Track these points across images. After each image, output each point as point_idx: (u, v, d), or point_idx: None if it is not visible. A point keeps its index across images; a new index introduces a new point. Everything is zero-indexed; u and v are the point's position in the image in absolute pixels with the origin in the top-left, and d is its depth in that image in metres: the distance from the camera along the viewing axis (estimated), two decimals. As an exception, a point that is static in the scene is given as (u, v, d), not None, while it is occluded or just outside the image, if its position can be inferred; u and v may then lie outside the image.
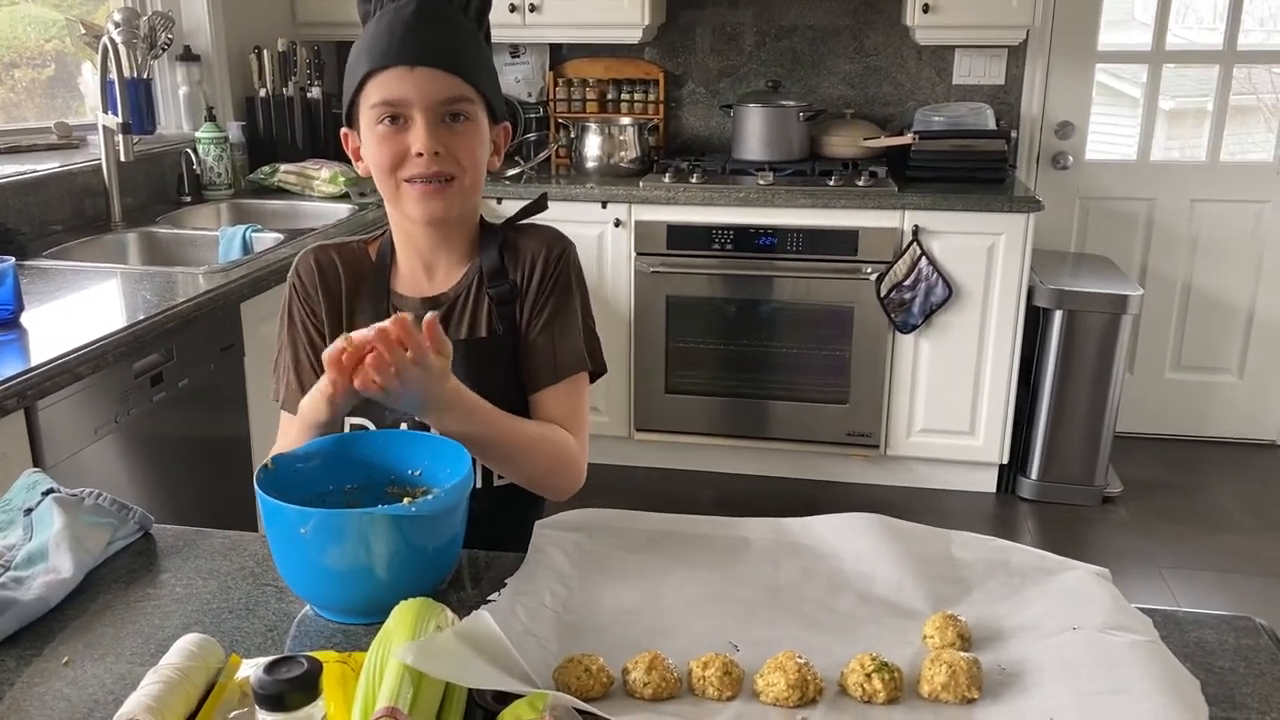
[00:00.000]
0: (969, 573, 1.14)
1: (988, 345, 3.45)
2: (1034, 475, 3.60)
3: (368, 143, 1.28)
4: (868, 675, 0.95)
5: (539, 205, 1.44)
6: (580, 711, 0.90)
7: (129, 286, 2.33)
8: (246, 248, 2.77)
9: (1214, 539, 3.39)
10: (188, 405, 2.23)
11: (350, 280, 1.38)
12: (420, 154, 1.24)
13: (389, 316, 1.33)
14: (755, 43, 3.98)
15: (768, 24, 3.95)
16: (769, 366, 3.58)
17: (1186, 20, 3.82)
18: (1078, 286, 3.45)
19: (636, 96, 3.98)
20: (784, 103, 3.75)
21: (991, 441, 3.54)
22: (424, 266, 1.38)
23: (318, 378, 1.32)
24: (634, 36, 3.68)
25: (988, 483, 3.64)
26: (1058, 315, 3.44)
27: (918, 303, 3.41)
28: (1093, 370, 3.46)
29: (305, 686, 0.77)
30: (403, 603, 0.97)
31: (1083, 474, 3.56)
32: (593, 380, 1.42)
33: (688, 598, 1.10)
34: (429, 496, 1.07)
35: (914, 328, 3.45)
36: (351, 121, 1.31)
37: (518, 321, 1.36)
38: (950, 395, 3.51)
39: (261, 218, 3.10)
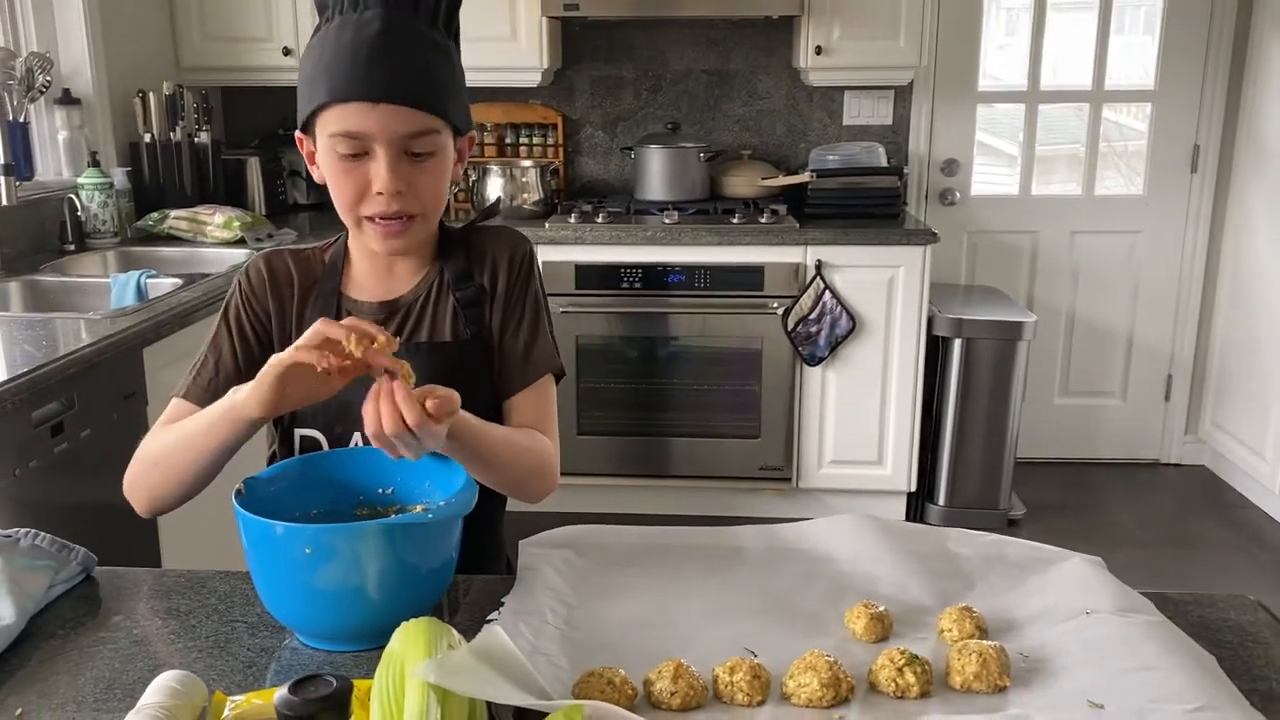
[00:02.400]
0: (969, 567, 1.14)
1: (891, 374, 3.51)
2: (941, 501, 3.67)
3: (326, 166, 1.21)
4: (899, 670, 0.92)
5: (493, 210, 1.40)
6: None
7: (20, 333, 2.17)
8: (141, 294, 2.63)
9: (1115, 555, 3.43)
10: (89, 457, 2.08)
11: (303, 285, 1.31)
12: (381, 192, 1.18)
13: (341, 319, 1.26)
14: (651, 87, 4.02)
15: (663, 69, 4.00)
16: (681, 404, 3.57)
17: (1051, 65, 4.02)
18: (974, 315, 3.56)
19: (535, 140, 3.97)
20: (684, 144, 3.79)
21: (899, 470, 3.59)
22: (380, 270, 1.32)
23: (237, 381, 1.22)
24: (533, 79, 3.67)
25: (897, 511, 3.69)
26: (957, 343, 3.54)
27: (823, 335, 3.46)
28: (992, 396, 3.56)
29: (336, 707, 0.70)
30: (406, 624, 0.90)
31: (987, 498, 3.65)
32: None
33: (694, 608, 1.06)
34: (440, 504, 1.01)
35: (820, 360, 3.50)
36: (306, 128, 1.24)
37: (486, 324, 1.31)
38: (858, 425, 3.56)
39: (153, 265, 2.94)
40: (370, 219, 1.21)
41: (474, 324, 1.30)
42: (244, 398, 1.08)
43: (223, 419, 1.11)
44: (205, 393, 1.25)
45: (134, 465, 1.22)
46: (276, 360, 1.05)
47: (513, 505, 1.40)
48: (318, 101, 1.18)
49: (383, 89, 1.15)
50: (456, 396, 1.06)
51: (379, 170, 1.17)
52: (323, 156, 1.22)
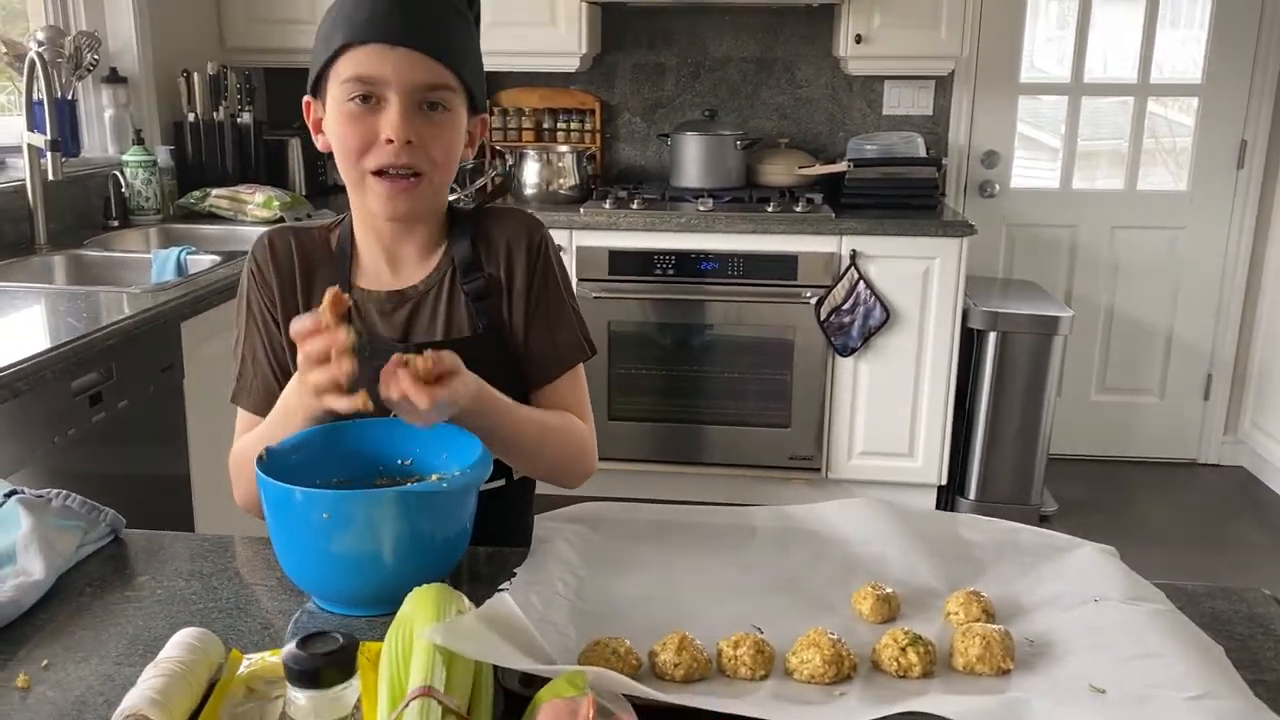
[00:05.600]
0: (980, 553, 1.14)
1: (925, 367, 3.50)
2: (972, 496, 3.65)
3: (334, 119, 1.18)
4: (903, 649, 0.93)
5: (504, 188, 1.39)
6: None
7: (62, 305, 2.22)
8: (181, 270, 2.67)
9: (1147, 554, 3.43)
10: (127, 427, 2.13)
11: (304, 266, 1.28)
12: (391, 141, 1.15)
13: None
14: (690, 74, 4.02)
15: (701, 56, 4.00)
16: (712, 392, 3.58)
17: (1091, 59, 3.97)
18: (1010, 309, 3.53)
19: (573, 126, 3.98)
20: (721, 131, 3.79)
21: (930, 463, 3.58)
22: (387, 258, 1.28)
23: (271, 373, 1.27)
24: (571, 65, 3.68)
25: (927, 504, 3.67)
26: (992, 337, 3.51)
27: (856, 326, 3.45)
28: (1027, 390, 3.53)
29: (341, 663, 0.72)
30: (418, 589, 0.92)
31: (1019, 494, 3.62)
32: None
33: (703, 584, 1.08)
34: (455, 474, 1.02)
35: (853, 350, 3.49)
36: (317, 91, 1.21)
37: (503, 317, 1.29)
38: (889, 417, 3.55)
39: (194, 241, 3.00)
40: (376, 174, 1.17)
41: (485, 316, 1.27)
42: (293, 411, 1.12)
43: (305, 422, 1.12)
44: (249, 394, 1.28)
45: (236, 484, 1.25)
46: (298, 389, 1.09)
47: (543, 488, 1.40)
48: (335, 45, 1.15)
49: (402, 33, 1.14)
50: (450, 356, 1.07)
51: (390, 118, 1.14)
52: (331, 108, 1.18)
